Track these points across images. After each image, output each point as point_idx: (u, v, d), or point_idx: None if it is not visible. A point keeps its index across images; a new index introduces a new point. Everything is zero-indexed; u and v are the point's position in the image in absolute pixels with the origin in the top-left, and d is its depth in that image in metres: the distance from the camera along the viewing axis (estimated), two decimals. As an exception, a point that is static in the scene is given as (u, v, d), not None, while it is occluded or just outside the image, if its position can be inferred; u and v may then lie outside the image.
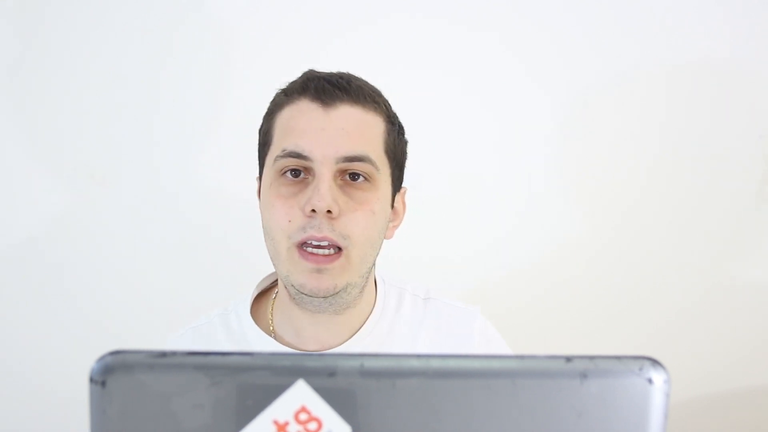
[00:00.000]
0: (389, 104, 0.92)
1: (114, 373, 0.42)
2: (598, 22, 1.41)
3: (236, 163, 1.36)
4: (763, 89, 1.44)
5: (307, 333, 0.92)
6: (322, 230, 0.84)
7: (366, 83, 0.91)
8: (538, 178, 1.44)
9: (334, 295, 0.86)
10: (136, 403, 0.42)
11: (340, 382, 0.44)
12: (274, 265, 0.89)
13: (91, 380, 0.41)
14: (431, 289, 1.01)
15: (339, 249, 0.85)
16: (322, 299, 0.87)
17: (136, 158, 1.38)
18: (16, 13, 1.33)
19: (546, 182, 1.44)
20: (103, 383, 0.41)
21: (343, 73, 0.91)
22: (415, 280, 1.03)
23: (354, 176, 0.86)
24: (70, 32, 1.35)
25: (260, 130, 0.93)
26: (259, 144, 0.93)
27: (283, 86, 0.93)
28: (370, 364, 0.45)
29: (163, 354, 0.42)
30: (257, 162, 0.94)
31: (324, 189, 0.83)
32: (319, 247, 0.85)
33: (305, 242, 0.85)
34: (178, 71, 1.37)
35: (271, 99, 0.93)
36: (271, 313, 0.96)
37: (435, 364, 0.46)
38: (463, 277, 1.44)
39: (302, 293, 0.87)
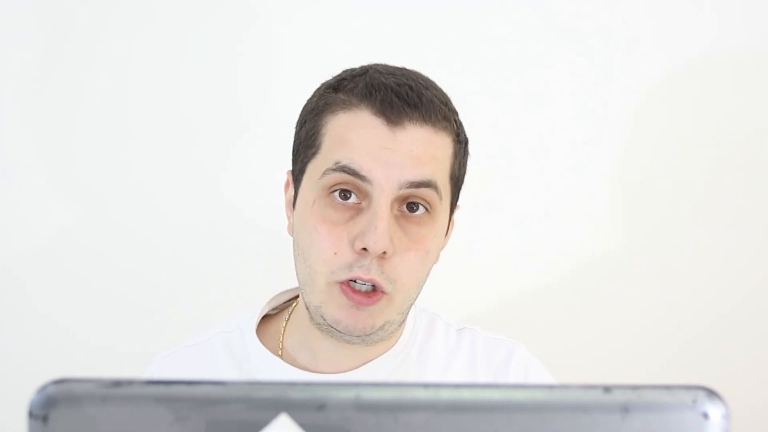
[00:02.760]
0: (458, 116, 0.83)
1: (58, 405, 0.35)
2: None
3: (256, 177, 1.32)
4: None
5: (327, 358, 0.85)
6: (371, 272, 0.75)
7: (436, 92, 0.81)
8: (566, 181, 1.35)
9: (369, 334, 0.79)
10: (89, 442, 0.36)
11: (331, 416, 0.37)
12: (304, 290, 0.82)
13: (31, 414, 0.35)
14: (465, 321, 0.94)
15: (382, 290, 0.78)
16: (355, 336, 0.79)
17: (147, 167, 1.34)
18: (37, 22, 1.31)
19: (576, 187, 1.35)
20: (45, 418, 0.35)
21: (412, 80, 0.79)
22: (450, 309, 0.97)
23: (413, 207, 0.78)
24: (88, 39, 1.33)
25: (302, 126, 0.83)
26: (299, 142, 0.83)
27: (334, 80, 0.82)
28: (367, 395, 0.38)
29: (118, 383, 0.36)
30: (290, 156, 0.85)
31: (382, 227, 0.74)
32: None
33: (347, 281, 0.77)
34: (193, 80, 1.34)
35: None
36: (283, 335, 0.89)
37: (445, 395, 0.39)
38: (476, 295, 1.36)
39: (334, 328, 0.79)
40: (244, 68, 1.33)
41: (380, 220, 0.74)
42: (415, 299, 0.83)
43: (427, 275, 0.82)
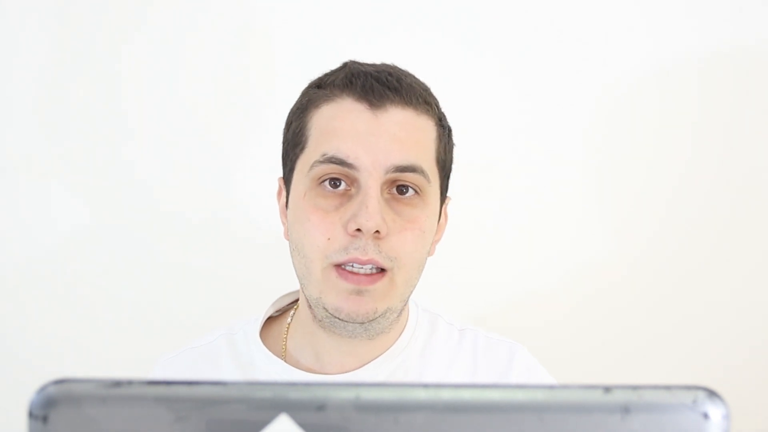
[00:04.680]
0: (438, 103, 0.84)
1: (58, 406, 0.35)
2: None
3: (260, 179, 1.31)
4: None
5: (330, 358, 0.85)
6: (368, 252, 0.76)
7: (415, 79, 0.83)
8: (559, 183, 1.34)
9: (372, 320, 0.79)
10: (88, 442, 0.36)
11: (331, 416, 0.37)
12: (302, 284, 0.82)
13: (31, 415, 0.35)
14: (466, 322, 0.94)
15: (382, 270, 0.78)
16: (358, 324, 0.79)
17: (152, 170, 1.34)
18: (54, 25, 1.31)
19: (569, 189, 1.34)
20: (45, 418, 0.35)
21: (391, 68, 0.82)
22: (449, 311, 0.96)
23: (402, 189, 0.79)
24: (100, 44, 1.33)
25: (288, 128, 0.84)
26: (287, 143, 0.84)
27: (317, 79, 0.84)
28: (367, 395, 0.38)
29: (118, 383, 0.36)
30: (281, 162, 0.86)
31: (373, 206, 0.75)
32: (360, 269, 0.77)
33: (346, 264, 0.77)
34: (200, 83, 1.33)
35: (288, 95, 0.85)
36: (286, 337, 0.89)
37: (446, 395, 0.39)
38: (469, 300, 1.35)
39: (337, 318, 0.79)
40: (250, 71, 1.34)
41: (370, 199, 0.75)
42: (415, 286, 0.83)
43: (425, 259, 0.82)
